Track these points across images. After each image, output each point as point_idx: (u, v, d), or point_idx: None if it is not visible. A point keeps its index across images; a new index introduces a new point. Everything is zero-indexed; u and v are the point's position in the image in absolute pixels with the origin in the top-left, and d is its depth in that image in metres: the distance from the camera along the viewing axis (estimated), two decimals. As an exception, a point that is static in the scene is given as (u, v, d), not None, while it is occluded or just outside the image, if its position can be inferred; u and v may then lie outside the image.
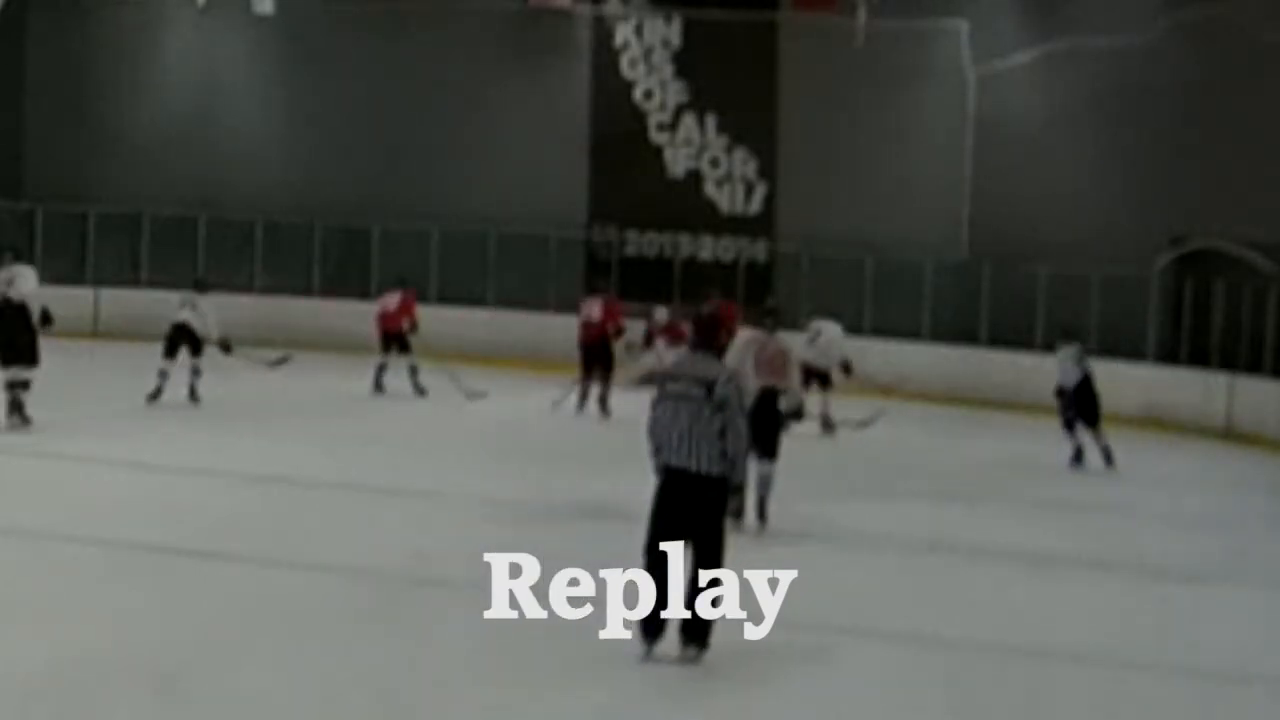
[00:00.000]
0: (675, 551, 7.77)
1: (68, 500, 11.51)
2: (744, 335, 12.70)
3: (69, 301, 24.57)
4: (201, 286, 17.78)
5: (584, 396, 19.06)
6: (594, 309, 19.30)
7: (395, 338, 19.99)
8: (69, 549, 9.83)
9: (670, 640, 7.75)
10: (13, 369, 14.46)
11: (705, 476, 7.77)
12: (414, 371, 19.96)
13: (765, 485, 11.59)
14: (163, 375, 17.56)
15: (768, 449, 11.24)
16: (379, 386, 19.98)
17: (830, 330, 18.00)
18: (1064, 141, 22.72)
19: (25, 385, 14.58)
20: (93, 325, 24.82)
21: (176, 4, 26.09)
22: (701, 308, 10.56)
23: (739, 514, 9.98)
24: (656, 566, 7.75)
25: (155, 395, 17.44)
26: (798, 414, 12.18)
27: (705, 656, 7.70)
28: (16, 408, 14.52)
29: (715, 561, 7.79)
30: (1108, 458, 16.27)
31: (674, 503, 7.87)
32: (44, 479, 12.52)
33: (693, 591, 7.74)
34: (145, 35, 26.94)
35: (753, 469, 10.91)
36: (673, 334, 21.04)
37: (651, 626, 7.72)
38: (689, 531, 7.81)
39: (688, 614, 7.70)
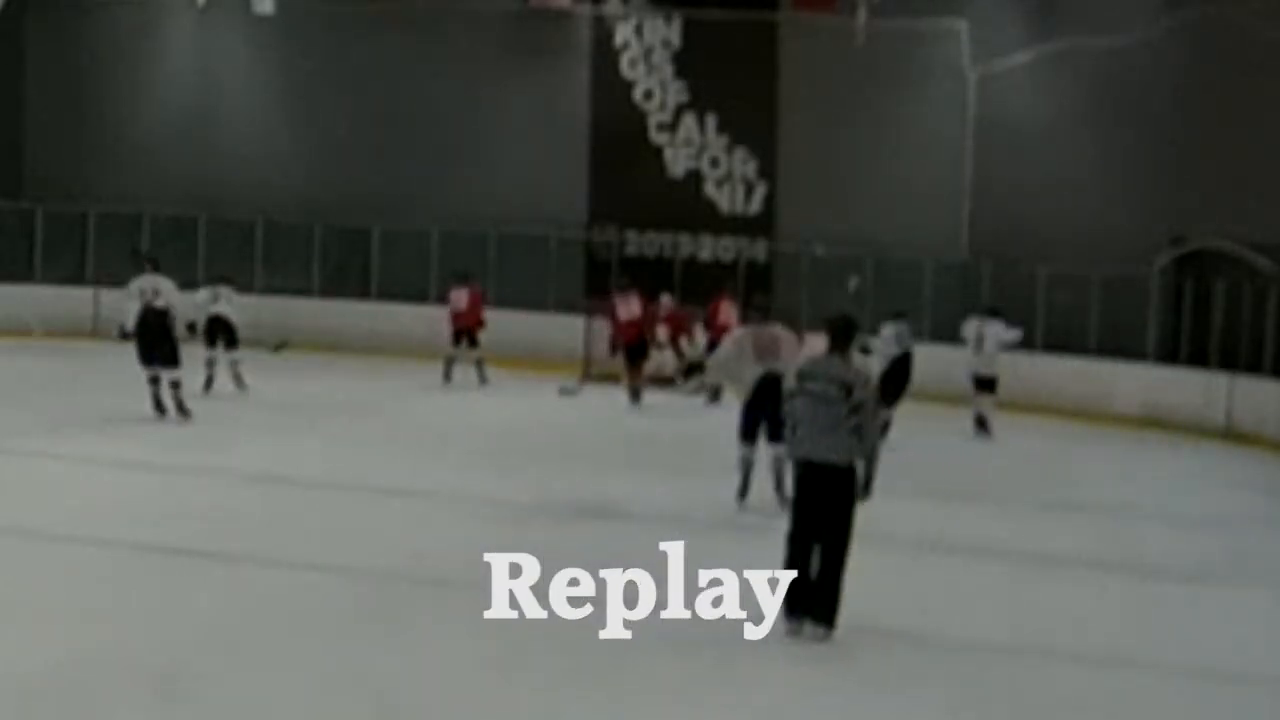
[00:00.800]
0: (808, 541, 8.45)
1: (68, 500, 11.51)
2: (737, 330, 13.56)
3: (69, 301, 24.78)
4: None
5: (636, 394, 20.08)
6: (633, 306, 20.17)
7: (468, 332, 21.46)
8: (69, 549, 9.83)
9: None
10: (154, 368, 15.98)
11: (838, 468, 8.41)
12: (480, 364, 21.41)
13: (780, 464, 12.14)
14: (210, 364, 18.64)
15: (776, 431, 11.43)
16: (448, 378, 21.19)
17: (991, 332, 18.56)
18: (1064, 141, 22.72)
19: (175, 385, 16.03)
20: (92, 325, 24.82)
21: (176, 4, 26.09)
22: (836, 315, 9.75)
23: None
24: (797, 553, 8.45)
25: (208, 385, 18.47)
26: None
27: (832, 635, 8.34)
28: (159, 405, 16.00)
29: (839, 548, 8.42)
30: (884, 429, 15.16)
31: (811, 492, 8.48)
32: (44, 479, 12.52)
33: (818, 578, 8.42)
34: (145, 35, 26.94)
35: (767, 451, 12.01)
36: (673, 323, 21.24)
37: (791, 605, 8.42)
38: (824, 518, 8.43)
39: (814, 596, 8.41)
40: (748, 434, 12.57)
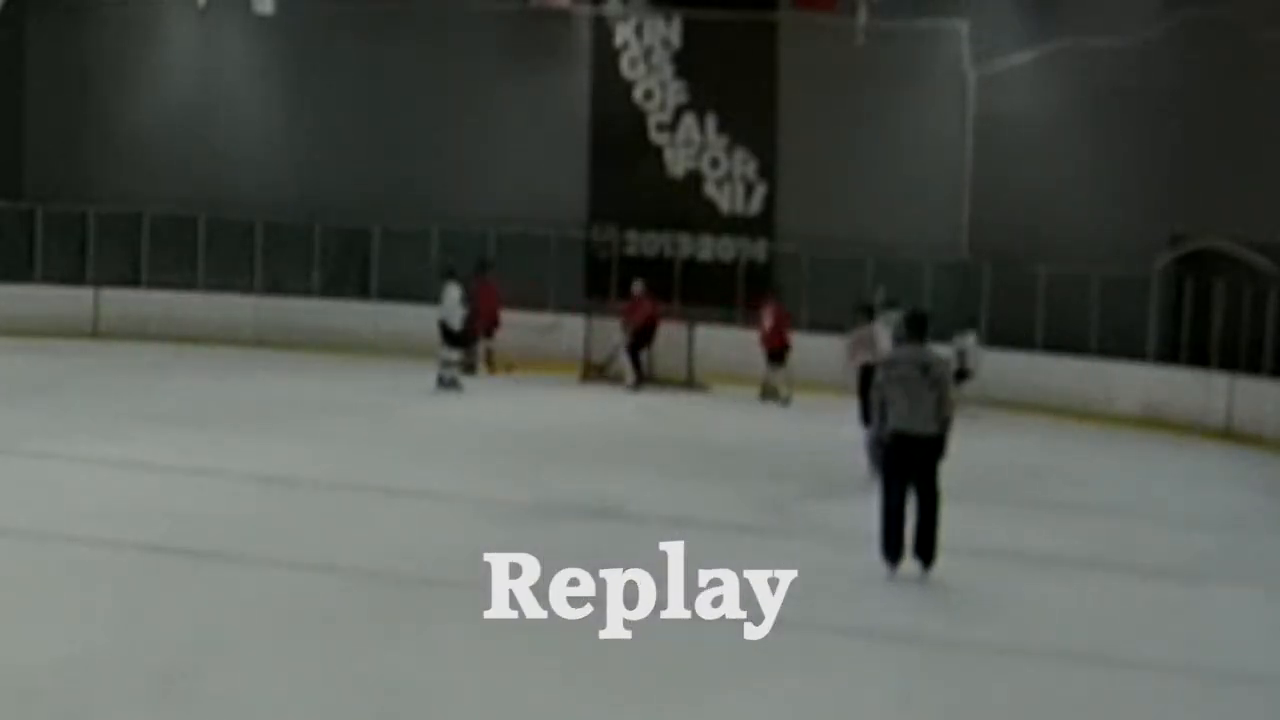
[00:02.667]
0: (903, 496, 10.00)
1: (68, 500, 11.51)
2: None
3: (69, 301, 24.78)
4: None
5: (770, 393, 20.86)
6: (767, 318, 20.95)
7: (490, 326, 22.46)
8: (69, 549, 9.84)
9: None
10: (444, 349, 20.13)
11: (924, 436, 9.92)
12: (491, 354, 22.52)
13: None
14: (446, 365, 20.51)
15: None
16: (472, 369, 22.06)
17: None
18: (1064, 141, 22.72)
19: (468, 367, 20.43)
20: (93, 325, 24.84)
21: (176, 4, 26.08)
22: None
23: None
24: (894, 507, 10.00)
25: (450, 384, 20.39)
26: None
27: (930, 573, 10.00)
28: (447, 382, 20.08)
29: (933, 502, 10.01)
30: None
31: (902, 457, 10.03)
32: (44, 479, 12.52)
33: (919, 527, 10.00)
34: (145, 35, 26.93)
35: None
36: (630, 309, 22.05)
37: (892, 553, 10.04)
38: (913, 478, 9.96)
39: (916, 542, 10.04)
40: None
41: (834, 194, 23.76)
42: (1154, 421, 20.22)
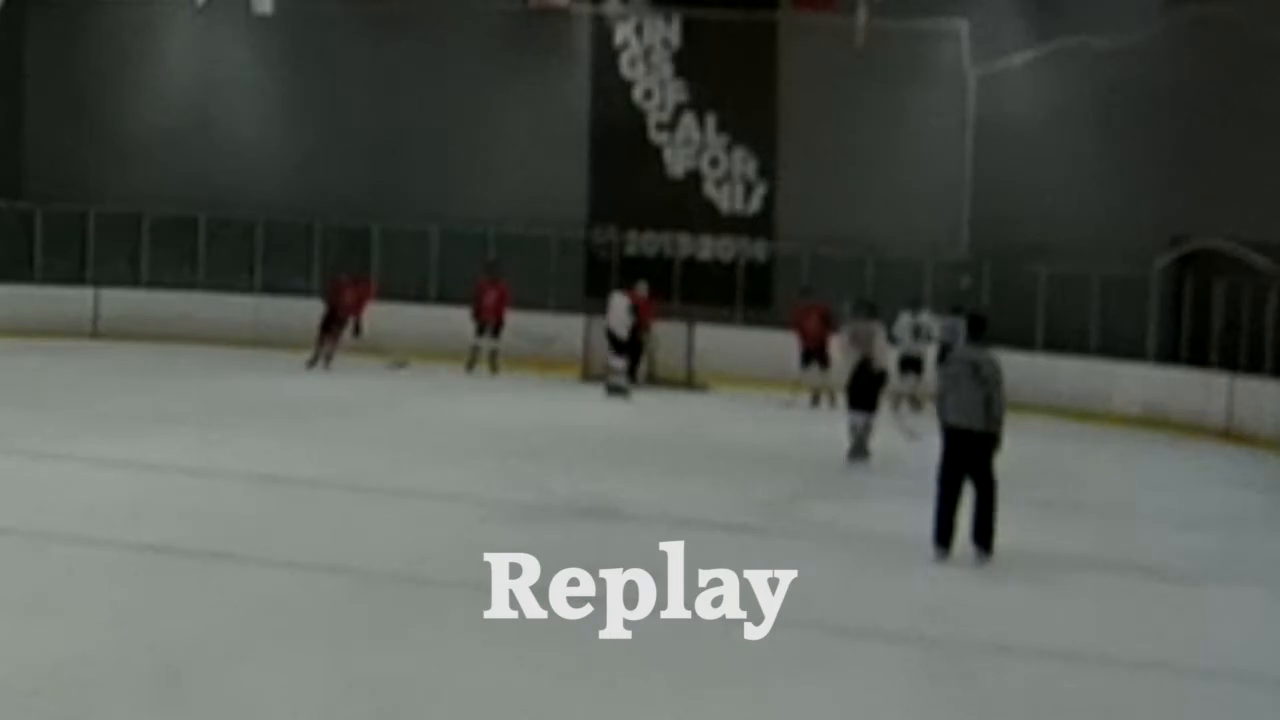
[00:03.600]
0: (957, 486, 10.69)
1: (69, 500, 11.50)
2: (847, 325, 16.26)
3: (69, 302, 24.79)
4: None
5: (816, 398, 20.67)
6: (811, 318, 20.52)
7: (495, 325, 22.70)
8: (69, 549, 9.83)
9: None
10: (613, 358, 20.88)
11: (973, 431, 10.58)
12: (495, 354, 22.72)
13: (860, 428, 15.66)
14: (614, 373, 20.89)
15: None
16: (472, 366, 22.52)
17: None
18: (1064, 141, 22.73)
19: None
20: (93, 325, 24.84)
21: (176, 4, 26.09)
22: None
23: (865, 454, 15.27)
24: (946, 497, 10.65)
25: (617, 391, 20.79)
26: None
27: (989, 560, 10.57)
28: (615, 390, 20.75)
29: (989, 492, 10.63)
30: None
31: (954, 450, 10.68)
32: (45, 479, 12.52)
33: (975, 516, 10.65)
34: (145, 35, 26.93)
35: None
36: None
37: (943, 540, 10.64)
38: (968, 471, 10.61)
39: (974, 529, 10.68)
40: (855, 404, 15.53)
41: (834, 194, 23.77)
42: (1154, 421, 20.21)
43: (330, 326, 22.07)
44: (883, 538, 11.88)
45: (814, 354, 20.36)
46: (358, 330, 22.24)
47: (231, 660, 7.46)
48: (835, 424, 17.28)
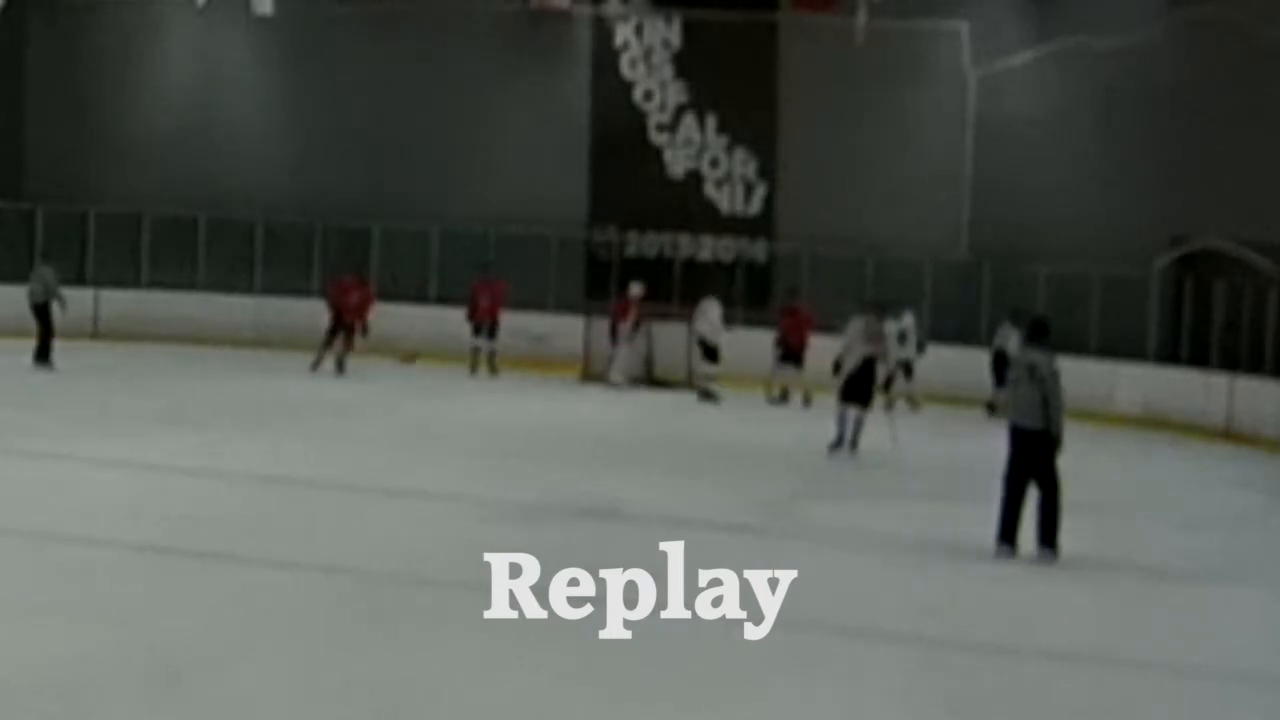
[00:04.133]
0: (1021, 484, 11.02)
1: (68, 500, 11.50)
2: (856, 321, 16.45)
3: (69, 302, 24.73)
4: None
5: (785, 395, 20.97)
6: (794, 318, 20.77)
7: (491, 326, 22.69)
8: (69, 549, 9.83)
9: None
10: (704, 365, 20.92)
11: (1033, 431, 10.97)
12: (494, 355, 22.68)
13: (856, 423, 16.21)
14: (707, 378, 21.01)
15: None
16: (475, 369, 22.57)
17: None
18: (1064, 142, 22.74)
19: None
20: (93, 325, 24.84)
21: (176, 4, 26.09)
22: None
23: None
24: (1010, 496, 11.00)
25: (709, 396, 20.86)
26: None
27: (1057, 560, 10.79)
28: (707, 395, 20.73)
29: (1051, 491, 10.94)
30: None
31: (1017, 449, 11.10)
32: (44, 479, 12.52)
33: (1041, 515, 10.92)
34: (145, 35, 26.95)
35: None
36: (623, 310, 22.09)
37: (1006, 537, 10.93)
38: (1030, 469, 10.96)
39: (1039, 528, 10.95)
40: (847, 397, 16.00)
41: (834, 194, 23.78)
42: (1154, 421, 20.22)
43: (337, 330, 21.64)
44: (883, 538, 11.88)
45: (794, 353, 20.64)
46: (364, 331, 21.97)
47: (231, 660, 7.46)
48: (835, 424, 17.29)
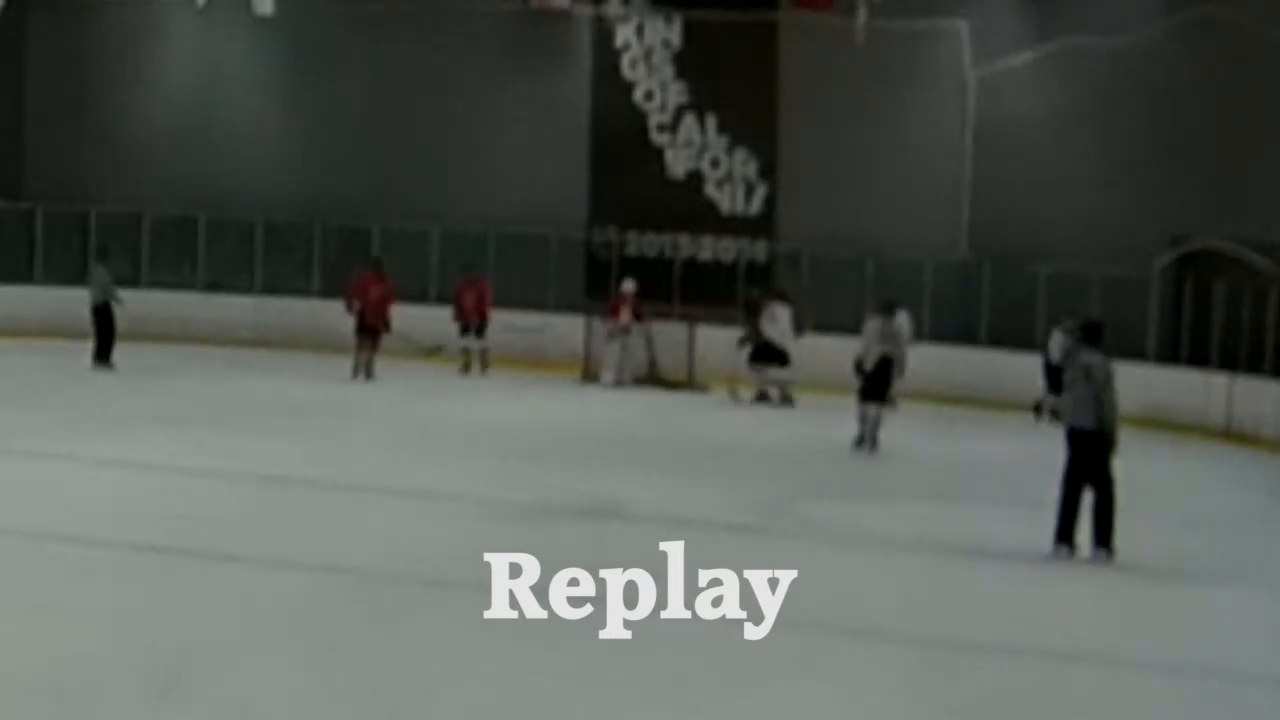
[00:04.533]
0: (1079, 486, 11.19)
1: (68, 500, 11.51)
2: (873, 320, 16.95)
3: (69, 302, 24.78)
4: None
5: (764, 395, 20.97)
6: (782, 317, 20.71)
7: (479, 324, 22.57)
8: (69, 549, 9.83)
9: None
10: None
11: (1087, 431, 11.16)
12: (485, 353, 22.54)
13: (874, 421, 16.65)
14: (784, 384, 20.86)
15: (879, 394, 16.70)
16: (467, 368, 22.47)
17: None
18: (1064, 141, 22.72)
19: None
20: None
21: (176, 4, 26.08)
22: None
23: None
24: (1068, 497, 11.15)
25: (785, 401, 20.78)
26: None
27: (1112, 560, 10.94)
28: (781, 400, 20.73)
29: (1106, 492, 11.12)
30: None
31: (1073, 450, 11.25)
32: (44, 479, 12.52)
33: (1096, 516, 11.10)
34: (145, 35, 26.94)
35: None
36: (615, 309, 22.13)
37: (1064, 537, 11.08)
38: (1087, 469, 11.12)
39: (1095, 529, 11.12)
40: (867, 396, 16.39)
41: (834, 194, 23.76)
42: (1154, 421, 20.18)
43: (364, 332, 21.14)
44: (883, 538, 11.88)
45: (776, 352, 20.78)
46: (387, 327, 21.46)
47: (231, 660, 7.46)
48: (835, 424, 17.29)
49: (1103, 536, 11.10)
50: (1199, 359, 20.62)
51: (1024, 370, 20.91)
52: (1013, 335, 22.04)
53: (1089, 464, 11.12)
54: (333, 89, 25.94)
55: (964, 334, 22.56)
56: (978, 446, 18.09)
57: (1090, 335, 11.82)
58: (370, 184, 25.47)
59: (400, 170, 25.40)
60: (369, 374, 20.96)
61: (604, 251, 25.07)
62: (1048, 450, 17.47)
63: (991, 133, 23.12)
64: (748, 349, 20.93)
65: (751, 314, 21.06)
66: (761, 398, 20.88)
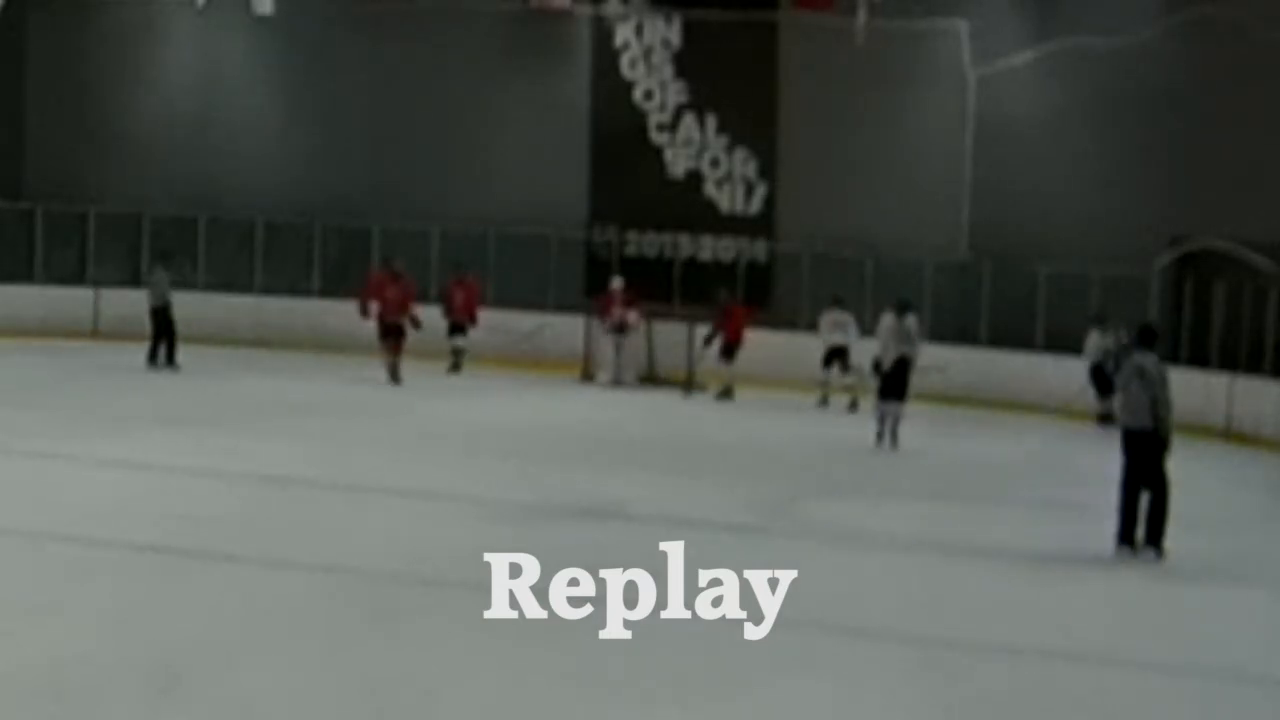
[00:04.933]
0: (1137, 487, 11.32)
1: (68, 500, 11.51)
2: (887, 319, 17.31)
3: (69, 302, 24.82)
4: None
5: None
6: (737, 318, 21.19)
7: (462, 326, 22.53)
8: (69, 549, 9.83)
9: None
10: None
11: (1144, 432, 11.27)
12: (462, 352, 22.43)
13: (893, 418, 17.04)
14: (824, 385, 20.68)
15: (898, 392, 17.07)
16: (458, 369, 22.37)
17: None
18: (1064, 141, 22.72)
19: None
20: (93, 325, 24.84)
21: (176, 4, 26.08)
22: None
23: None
24: (1126, 498, 11.30)
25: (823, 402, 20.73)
26: None
27: (1163, 560, 11.14)
28: None
29: (1159, 492, 11.27)
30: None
31: (1127, 449, 11.42)
32: (44, 479, 12.52)
33: (1149, 516, 11.29)
34: (145, 35, 26.93)
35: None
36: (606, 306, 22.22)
37: (1126, 538, 11.28)
38: (1143, 469, 11.25)
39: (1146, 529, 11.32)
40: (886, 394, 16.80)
41: (834, 194, 23.75)
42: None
43: (387, 334, 20.74)
44: (883, 538, 11.88)
45: (731, 348, 21.33)
46: (416, 324, 21.03)
47: (231, 660, 7.46)
48: (835, 424, 17.32)
49: (1154, 536, 11.28)
50: (1199, 359, 20.62)
51: (1024, 369, 20.91)
52: (1013, 335, 22.04)
53: (1144, 465, 11.29)
54: (333, 88, 25.94)
55: (964, 334, 22.56)
56: (978, 446, 18.09)
57: (1145, 338, 12.02)
58: (370, 184, 25.47)
59: (400, 170, 25.39)
60: (397, 378, 20.52)
61: (603, 251, 25.06)
62: (1048, 450, 17.59)
63: (991, 133, 23.11)
64: (714, 346, 21.42)
65: (723, 314, 21.36)
66: (725, 394, 21.14)
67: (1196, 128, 21.22)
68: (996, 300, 22.52)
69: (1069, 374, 21.06)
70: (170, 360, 20.87)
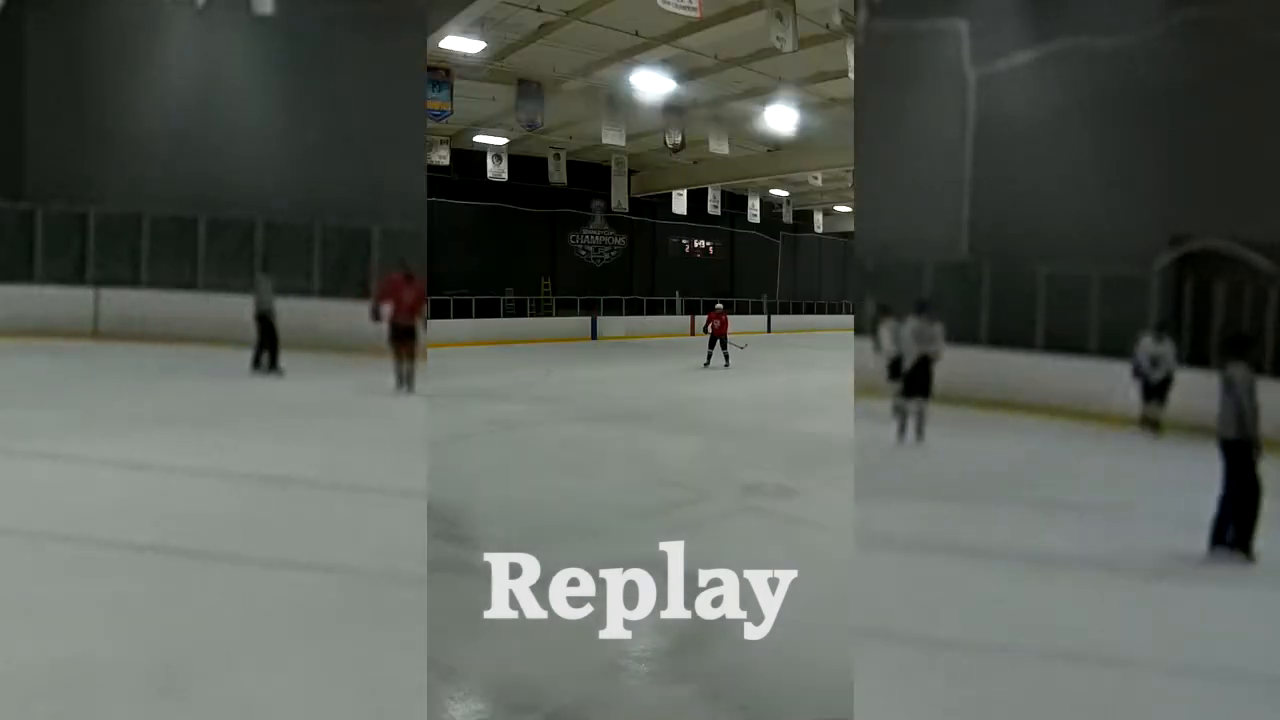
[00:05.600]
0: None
1: (68, 500, 11.50)
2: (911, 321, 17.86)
3: (69, 302, 24.83)
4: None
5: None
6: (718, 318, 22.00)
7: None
8: (68, 549, 9.82)
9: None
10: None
11: (1233, 441, 11.63)
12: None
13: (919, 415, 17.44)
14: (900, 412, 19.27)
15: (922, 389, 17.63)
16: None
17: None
18: (1064, 142, 22.70)
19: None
20: (93, 325, 24.84)
21: (176, 3, 26.07)
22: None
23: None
24: (1222, 503, 11.69)
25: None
26: None
27: (1250, 563, 11.36)
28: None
29: (1247, 497, 11.58)
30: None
31: (1224, 460, 11.70)
32: (45, 479, 12.51)
33: (1236, 520, 11.62)
34: (145, 35, 26.91)
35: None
36: None
37: (1215, 539, 11.70)
38: (1235, 477, 11.65)
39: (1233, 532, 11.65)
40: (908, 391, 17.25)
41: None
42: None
43: (400, 336, 20.25)
44: (885, 538, 11.87)
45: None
46: (423, 326, 20.67)
47: (231, 660, 7.46)
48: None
49: (1242, 540, 11.58)
50: (1199, 359, 20.61)
51: (1024, 369, 20.89)
52: (1013, 335, 22.04)
53: (1237, 472, 11.64)
54: (332, 89, 25.93)
55: (964, 334, 22.55)
56: (978, 446, 18.09)
57: (1235, 346, 12.36)
58: (370, 184, 25.46)
59: (400, 170, 25.37)
60: (410, 385, 20.11)
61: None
62: (1048, 450, 17.56)
63: (991, 133, 23.10)
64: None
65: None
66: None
67: (1196, 128, 21.20)
68: (996, 300, 22.51)
69: (1069, 372, 21.10)
70: (273, 365, 20.93)
